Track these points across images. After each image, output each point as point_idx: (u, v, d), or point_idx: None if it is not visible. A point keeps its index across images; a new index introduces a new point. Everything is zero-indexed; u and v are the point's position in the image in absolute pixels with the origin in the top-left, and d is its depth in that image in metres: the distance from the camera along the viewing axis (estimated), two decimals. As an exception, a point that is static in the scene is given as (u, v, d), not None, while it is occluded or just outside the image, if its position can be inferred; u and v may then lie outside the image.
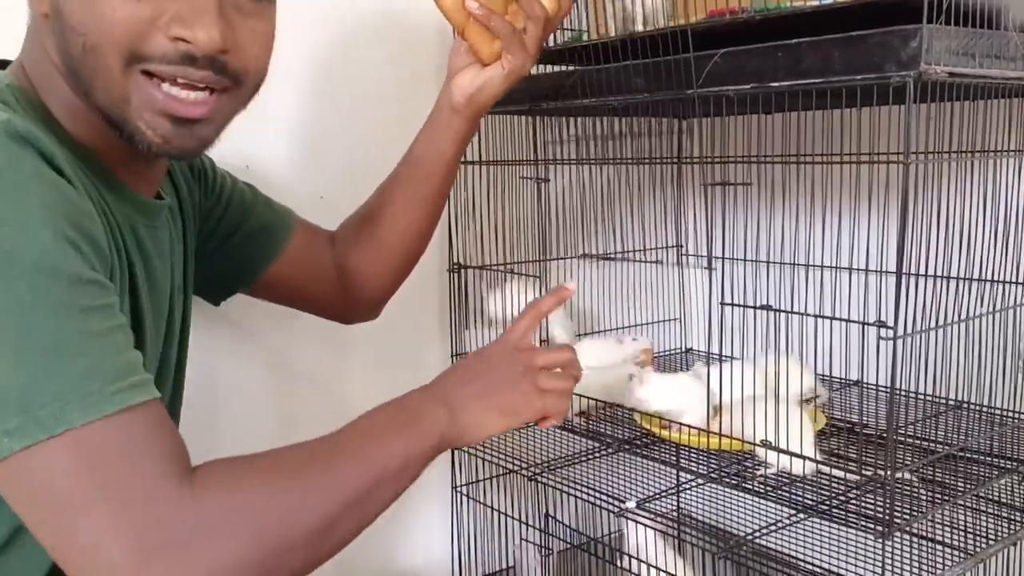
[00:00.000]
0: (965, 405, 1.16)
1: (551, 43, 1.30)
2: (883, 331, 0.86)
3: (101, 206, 0.71)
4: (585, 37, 1.31)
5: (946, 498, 1.02)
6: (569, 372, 0.92)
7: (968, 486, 1.05)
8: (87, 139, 0.74)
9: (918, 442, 1.13)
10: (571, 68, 1.33)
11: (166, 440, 0.63)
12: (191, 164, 0.98)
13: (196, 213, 0.98)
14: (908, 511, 0.97)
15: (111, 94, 0.70)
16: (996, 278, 1.05)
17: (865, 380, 1.28)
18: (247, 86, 0.76)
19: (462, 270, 1.41)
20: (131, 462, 0.60)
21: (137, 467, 0.61)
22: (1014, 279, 1.07)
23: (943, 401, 1.15)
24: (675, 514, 1.56)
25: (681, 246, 1.65)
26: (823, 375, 1.24)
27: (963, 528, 1.04)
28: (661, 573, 1.28)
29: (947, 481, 1.05)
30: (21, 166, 0.61)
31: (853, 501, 1.01)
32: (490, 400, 0.85)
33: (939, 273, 0.95)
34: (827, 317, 0.96)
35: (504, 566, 1.60)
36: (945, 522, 1.04)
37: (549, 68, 1.40)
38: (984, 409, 1.13)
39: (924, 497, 1.01)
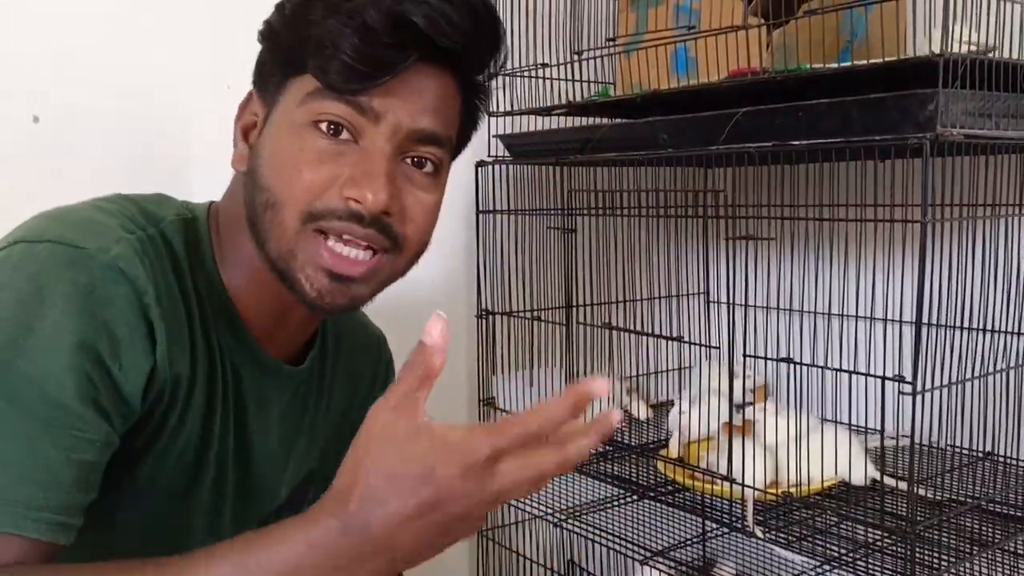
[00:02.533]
0: (987, 456, 1.16)
1: (579, 97, 1.34)
2: (903, 386, 0.88)
3: (199, 344, 0.76)
4: (611, 92, 1.35)
5: (969, 552, 1.02)
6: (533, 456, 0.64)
7: (993, 539, 1.05)
8: (241, 288, 0.80)
9: (943, 495, 1.13)
10: (597, 121, 1.37)
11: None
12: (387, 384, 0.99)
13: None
14: (932, 564, 0.98)
15: (282, 247, 0.75)
16: (1014, 330, 1.06)
17: (882, 429, 1.28)
18: (407, 251, 0.79)
19: (490, 316, 1.44)
20: None
21: None
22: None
23: (964, 452, 1.15)
24: (700, 563, 1.56)
25: (707, 293, 1.67)
26: (844, 423, 1.25)
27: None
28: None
29: (973, 534, 1.05)
30: (91, 297, 0.67)
31: (876, 554, 1.01)
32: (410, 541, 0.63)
33: (955, 324, 0.97)
34: (847, 371, 0.97)
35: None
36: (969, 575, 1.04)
37: (577, 121, 1.44)
38: (1007, 460, 1.13)
39: (948, 550, 1.01)
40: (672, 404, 1.43)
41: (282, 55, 0.77)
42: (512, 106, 1.37)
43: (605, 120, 1.35)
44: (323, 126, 0.74)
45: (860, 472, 1.11)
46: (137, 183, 1.20)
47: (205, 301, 0.77)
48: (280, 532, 0.63)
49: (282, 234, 0.75)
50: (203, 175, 1.21)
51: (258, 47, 0.80)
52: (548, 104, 1.36)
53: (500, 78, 1.36)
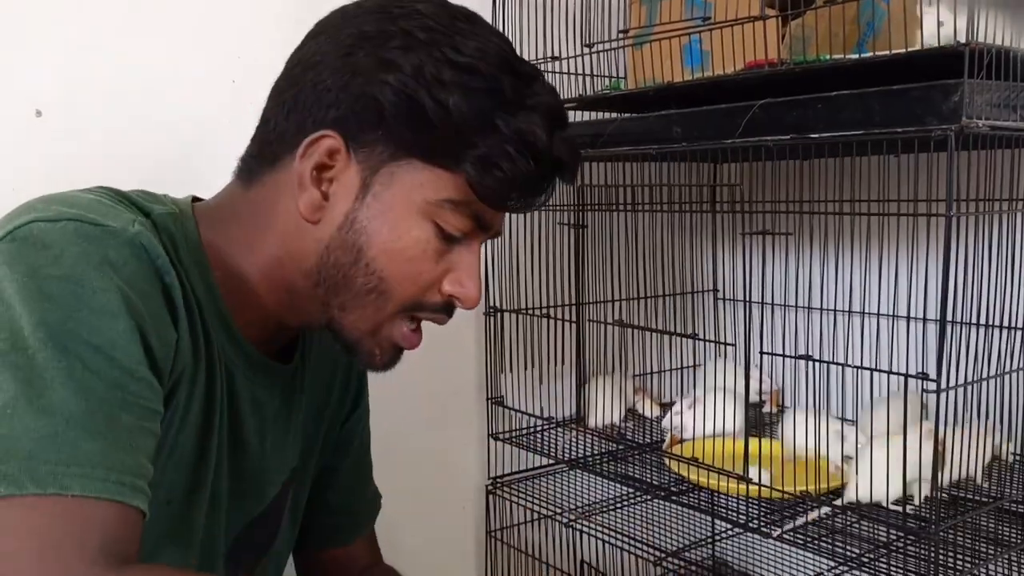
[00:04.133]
0: (1015, 456, 1.15)
1: (590, 91, 1.32)
2: (927, 383, 0.86)
3: (204, 343, 0.75)
4: (622, 85, 1.33)
5: (993, 553, 1.00)
6: None
7: (1016, 540, 1.03)
8: (235, 289, 0.78)
9: (964, 494, 1.11)
10: (609, 115, 1.35)
11: (123, 544, 0.62)
12: (359, 390, 1.01)
13: (332, 417, 0.98)
14: (955, 565, 0.96)
15: (365, 326, 0.78)
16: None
17: (904, 426, 1.26)
18: None
19: (499, 313, 1.42)
20: (80, 545, 0.60)
21: (84, 553, 0.60)
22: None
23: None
24: (710, 563, 1.55)
25: (717, 290, 1.65)
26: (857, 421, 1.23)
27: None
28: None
29: (996, 535, 1.04)
30: (123, 270, 0.66)
31: (896, 554, 0.99)
32: None
33: (978, 321, 0.95)
34: (868, 368, 0.95)
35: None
36: (992, 577, 1.02)
37: (588, 115, 1.42)
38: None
39: (972, 550, 0.99)
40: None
41: (422, 134, 0.72)
42: (521, 100, 1.34)
43: (616, 114, 1.33)
44: (444, 228, 0.75)
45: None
46: (141, 179, 1.19)
47: (201, 296, 0.75)
48: None
49: (377, 316, 0.77)
50: (209, 171, 1.19)
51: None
52: (558, 98, 1.34)
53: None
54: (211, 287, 0.76)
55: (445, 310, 0.79)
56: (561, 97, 1.32)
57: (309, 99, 0.74)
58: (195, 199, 0.84)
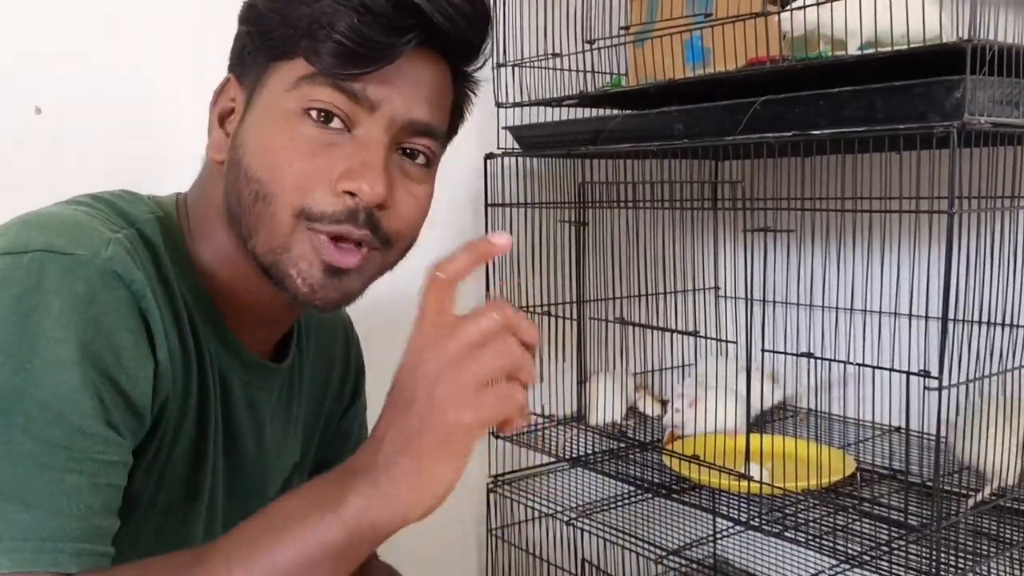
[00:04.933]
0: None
1: (590, 88, 1.32)
2: (928, 381, 0.85)
3: (196, 353, 0.73)
4: (623, 82, 1.33)
5: (994, 551, 1.00)
6: (509, 343, 0.61)
7: (1016, 538, 1.02)
8: (218, 285, 0.76)
9: (963, 492, 1.11)
10: (610, 112, 1.35)
11: None
12: (357, 385, 0.99)
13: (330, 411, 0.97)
14: (956, 563, 0.96)
15: (273, 242, 0.72)
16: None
17: (902, 425, 1.26)
18: (396, 248, 0.77)
19: (499, 312, 1.42)
20: None
21: None
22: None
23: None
24: (711, 561, 1.55)
25: (718, 288, 1.65)
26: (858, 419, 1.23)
27: (1011, 582, 1.02)
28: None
29: (996, 533, 1.03)
30: (90, 308, 0.63)
31: (897, 552, 0.99)
32: (419, 448, 0.60)
33: (979, 319, 0.95)
34: (869, 366, 0.95)
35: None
36: (992, 575, 1.02)
37: (589, 112, 1.41)
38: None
39: (972, 549, 0.99)
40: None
41: (267, 36, 0.72)
42: (522, 97, 1.34)
43: (618, 111, 1.33)
44: (313, 114, 0.70)
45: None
46: (142, 177, 1.18)
47: (190, 303, 0.74)
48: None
49: (274, 227, 0.71)
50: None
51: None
52: (559, 95, 1.34)
53: (510, 68, 1.35)
54: (199, 292, 0.75)
55: (348, 218, 0.71)
56: (563, 94, 1.34)
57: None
58: (179, 195, 0.82)
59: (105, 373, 0.63)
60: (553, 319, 1.38)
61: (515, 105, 1.34)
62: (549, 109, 1.39)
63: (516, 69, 1.34)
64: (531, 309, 1.40)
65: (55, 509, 0.60)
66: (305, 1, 0.69)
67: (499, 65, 1.34)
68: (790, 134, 0.97)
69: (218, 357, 0.77)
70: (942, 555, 0.93)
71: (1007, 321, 0.98)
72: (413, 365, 0.60)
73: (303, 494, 0.62)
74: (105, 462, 0.63)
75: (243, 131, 0.73)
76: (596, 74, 1.34)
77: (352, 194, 0.70)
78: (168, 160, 1.19)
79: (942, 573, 0.92)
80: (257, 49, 0.73)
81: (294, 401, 0.89)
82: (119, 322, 0.65)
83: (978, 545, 1.00)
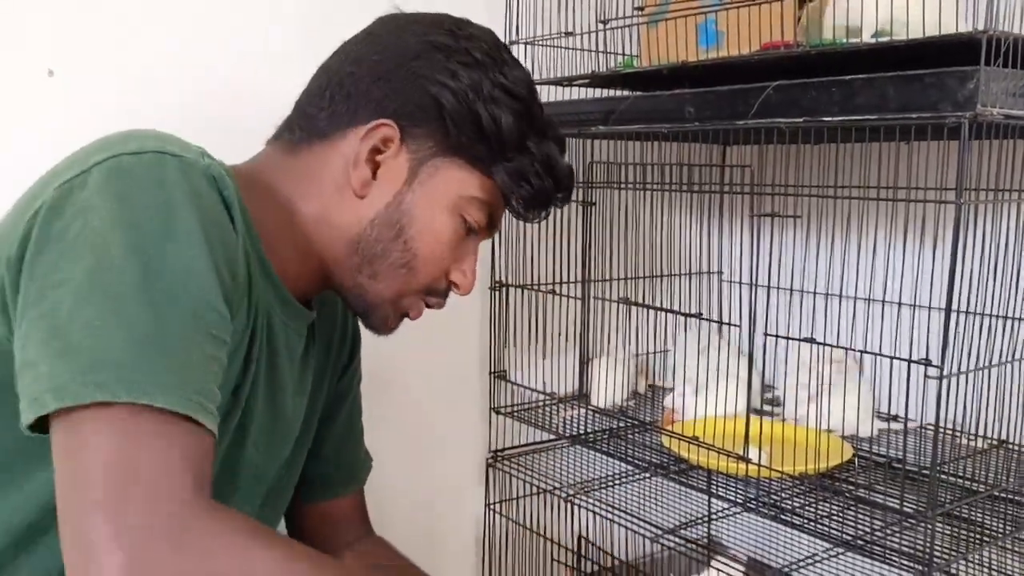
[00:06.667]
0: (1007, 445, 1.15)
1: (603, 68, 1.32)
2: (930, 370, 0.86)
3: (248, 285, 0.78)
4: (636, 63, 1.32)
5: (986, 539, 1.01)
6: None
7: (1009, 528, 1.04)
8: (269, 246, 0.82)
9: (958, 480, 1.12)
10: (622, 93, 1.35)
11: (206, 469, 0.65)
12: (354, 345, 1.06)
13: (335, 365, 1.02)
14: (948, 551, 0.97)
15: (388, 294, 0.87)
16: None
17: (900, 414, 1.27)
18: None
19: (504, 288, 1.43)
20: (180, 462, 0.63)
21: (175, 470, 0.62)
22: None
23: (986, 440, 1.14)
24: (706, 541, 1.56)
25: (722, 272, 1.65)
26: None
27: (1002, 570, 1.03)
28: (692, 600, 1.28)
29: (987, 522, 1.04)
30: (204, 200, 0.71)
31: (891, 538, 1.00)
32: None
33: (982, 311, 0.95)
34: (872, 353, 0.95)
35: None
36: (984, 563, 1.03)
37: (599, 92, 1.41)
38: (1021, 449, 1.12)
39: (964, 537, 1.00)
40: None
41: (471, 141, 0.83)
42: (533, 75, 1.34)
43: (629, 92, 1.33)
44: (466, 222, 0.86)
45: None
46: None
47: (242, 238, 0.77)
48: None
49: (400, 288, 0.86)
50: (220, 126, 1.19)
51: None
52: (571, 74, 1.33)
53: (522, 46, 1.35)
54: (253, 233, 0.80)
55: (445, 295, 0.89)
56: (575, 73, 1.34)
57: (370, 89, 0.83)
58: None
59: (220, 258, 0.70)
60: (558, 298, 1.39)
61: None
62: (560, 88, 1.39)
63: (528, 47, 1.34)
64: (537, 288, 1.40)
65: (193, 366, 0.66)
66: (519, 145, 0.84)
67: (511, 43, 1.34)
68: (801, 120, 0.97)
69: (265, 293, 0.82)
70: (935, 543, 0.94)
71: (1010, 314, 0.99)
72: None
73: None
74: (221, 339, 0.70)
75: (411, 201, 0.84)
76: (608, 54, 1.34)
77: (457, 286, 0.89)
78: (183, 117, 1.20)
79: (935, 560, 0.93)
80: (450, 136, 0.83)
81: (311, 352, 0.94)
82: (222, 219, 0.73)
83: (971, 534, 1.02)
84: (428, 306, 0.90)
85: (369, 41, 0.86)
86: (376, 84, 0.83)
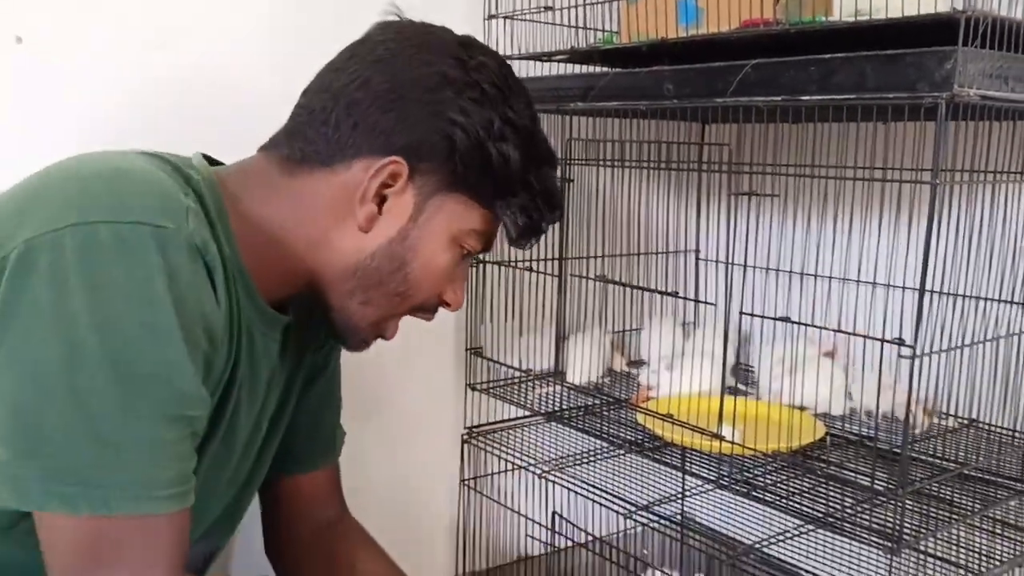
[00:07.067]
0: (978, 424, 1.17)
1: (582, 44, 1.31)
2: (903, 349, 0.87)
3: (233, 309, 0.79)
4: (615, 39, 1.32)
5: (955, 517, 1.02)
6: None
7: (977, 506, 1.05)
8: (251, 249, 0.82)
9: (928, 459, 1.13)
10: (601, 69, 1.34)
11: (176, 548, 0.72)
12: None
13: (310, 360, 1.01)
14: (917, 528, 0.98)
15: (373, 318, 0.87)
16: (1017, 300, 1.06)
17: (878, 390, 1.28)
18: None
19: (481, 264, 1.42)
20: (143, 556, 0.70)
21: (147, 561, 0.70)
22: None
23: (957, 419, 1.16)
24: (679, 518, 1.57)
25: (699, 251, 1.66)
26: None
27: (970, 548, 1.05)
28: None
29: (956, 500, 1.06)
30: (183, 280, 0.70)
31: (862, 515, 1.01)
32: None
33: (956, 292, 0.96)
34: (846, 332, 0.96)
35: (509, 560, 1.62)
36: (953, 541, 1.05)
37: (578, 68, 1.40)
38: (995, 429, 1.14)
39: (933, 515, 1.02)
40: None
41: (478, 177, 0.83)
42: (512, 50, 1.33)
43: (608, 69, 1.32)
44: (463, 250, 0.87)
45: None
46: (129, 116, 1.17)
47: (228, 260, 0.78)
48: None
49: (387, 313, 0.87)
50: (207, 112, 1.18)
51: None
52: (550, 49, 1.32)
53: (501, 20, 1.33)
54: (234, 249, 0.80)
55: (434, 311, 0.91)
56: (554, 48, 1.33)
57: (379, 121, 0.81)
58: (207, 159, 0.86)
59: (198, 341, 0.71)
60: (535, 275, 1.39)
61: (505, 58, 1.32)
62: (539, 64, 1.38)
63: (507, 21, 1.33)
64: (514, 264, 1.40)
65: (162, 461, 0.70)
66: (523, 180, 0.84)
67: (490, 16, 1.33)
68: (780, 99, 0.97)
69: (245, 310, 0.82)
70: (905, 520, 0.95)
71: (982, 295, 1.00)
72: None
73: None
74: (197, 418, 0.73)
75: (416, 237, 0.84)
76: (588, 30, 1.33)
77: (448, 305, 0.90)
78: (154, 84, 1.18)
79: (904, 537, 0.94)
80: (457, 173, 0.83)
81: (287, 350, 0.93)
82: (202, 294, 0.72)
83: (940, 511, 1.03)
84: (420, 318, 0.92)
85: (376, 65, 0.83)
86: (385, 116, 0.81)
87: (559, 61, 1.37)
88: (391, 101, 0.81)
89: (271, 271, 0.84)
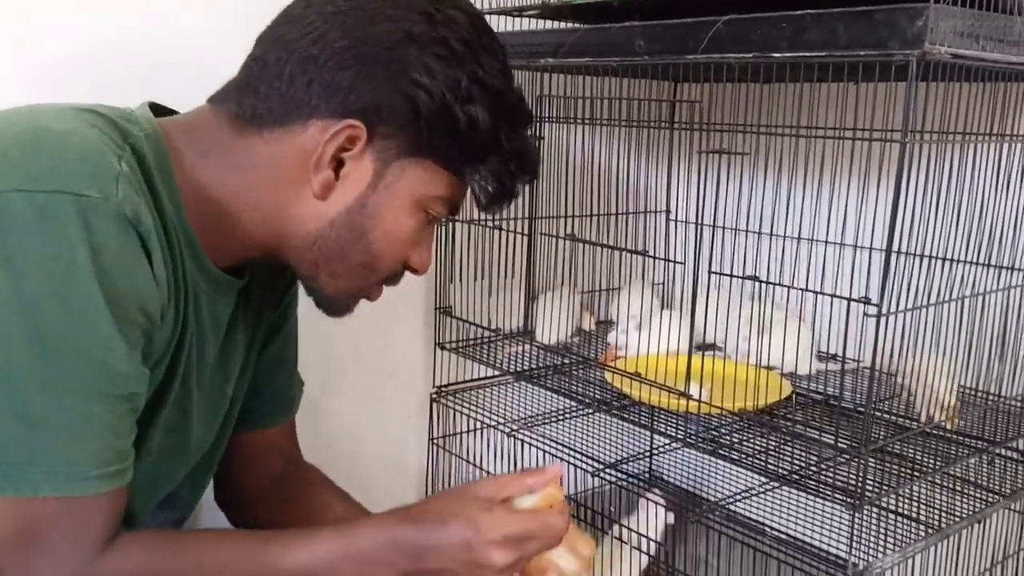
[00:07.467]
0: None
1: (552, -1, 1.28)
2: (868, 308, 0.87)
3: (176, 274, 0.76)
4: (587, -6, 1.29)
5: (916, 474, 1.04)
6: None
7: (938, 464, 1.07)
8: (201, 209, 0.78)
9: (891, 418, 1.14)
10: (571, 25, 1.32)
11: (107, 528, 0.71)
12: (288, 289, 1.00)
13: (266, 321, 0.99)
14: (879, 485, 0.99)
15: (345, 288, 0.84)
16: (982, 261, 1.06)
17: (839, 353, 1.29)
18: None
19: (449, 223, 1.41)
20: (72, 537, 0.69)
21: (76, 543, 0.70)
22: (999, 263, 1.08)
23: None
24: (647, 475, 1.59)
25: (669, 211, 1.65)
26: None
27: (931, 504, 1.07)
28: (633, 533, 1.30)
29: (918, 458, 1.07)
30: (108, 253, 0.66)
31: (825, 473, 1.03)
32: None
33: (922, 252, 0.96)
34: (813, 291, 0.96)
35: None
36: (914, 498, 1.07)
37: (549, 24, 1.38)
38: (959, 388, 1.15)
39: (895, 472, 1.03)
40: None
41: (439, 141, 0.78)
42: (481, 5, 1.30)
43: (579, 25, 1.30)
44: (429, 215, 0.83)
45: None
46: (98, 75, 1.14)
47: (170, 221, 0.74)
48: (368, 525, 0.82)
49: (359, 284, 0.84)
50: (174, 71, 1.15)
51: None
52: (519, 4, 1.30)
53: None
54: (179, 209, 0.76)
55: (400, 276, 0.87)
56: (525, 3, 1.30)
57: (336, 78, 0.75)
58: (153, 107, 0.81)
59: (131, 316, 0.68)
60: (504, 233, 1.38)
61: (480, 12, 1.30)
62: (510, 18, 1.36)
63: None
64: (483, 223, 1.39)
65: (94, 440, 0.68)
66: (493, 143, 0.79)
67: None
68: (751, 55, 0.96)
69: (190, 273, 0.78)
70: (867, 477, 0.96)
71: (949, 255, 1.00)
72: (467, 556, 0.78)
73: (339, 556, 0.78)
74: (132, 394, 0.71)
75: (375, 204, 0.80)
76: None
77: (416, 270, 0.86)
78: (138, 60, 1.15)
79: (866, 494, 0.95)
80: (421, 137, 0.78)
81: (244, 310, 0.91)
82: (135, 266, 0.69)
83: (903, 469, 1.04)
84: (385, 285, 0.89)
85: (335, 17, 0.76)
86: (342, 73, 0.75)
87: (530, 16, 1.34)
88: (349, 58, 0.75)
89: (220, 236, 0.80)
